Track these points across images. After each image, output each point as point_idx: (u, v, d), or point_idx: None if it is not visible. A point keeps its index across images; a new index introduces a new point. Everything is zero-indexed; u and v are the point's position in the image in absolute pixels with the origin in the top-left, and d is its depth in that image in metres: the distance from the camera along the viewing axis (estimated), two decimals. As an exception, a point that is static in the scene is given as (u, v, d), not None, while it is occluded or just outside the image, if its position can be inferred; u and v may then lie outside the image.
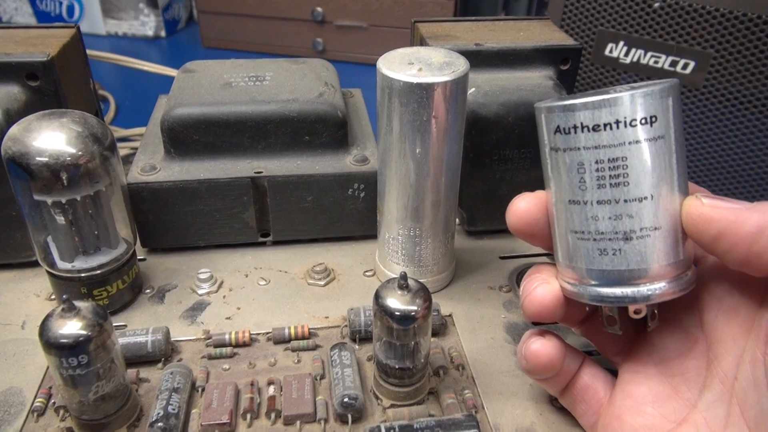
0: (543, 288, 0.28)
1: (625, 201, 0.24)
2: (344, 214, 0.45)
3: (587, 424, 0.30)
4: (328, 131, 0.44)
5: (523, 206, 0.28)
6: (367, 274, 0.44)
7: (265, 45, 1.24)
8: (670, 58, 0.55)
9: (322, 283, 0.42)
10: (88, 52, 0.47)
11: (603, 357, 0.32)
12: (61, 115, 0.34)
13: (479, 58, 0.42)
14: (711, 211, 0.23)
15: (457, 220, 0.47)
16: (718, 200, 0.23)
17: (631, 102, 0.24)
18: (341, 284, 0.43)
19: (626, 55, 0.58)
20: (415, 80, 0.33)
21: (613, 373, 0.30)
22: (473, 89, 0.41)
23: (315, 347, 0.37)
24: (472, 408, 0.33)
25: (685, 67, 0.55)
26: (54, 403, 0.32)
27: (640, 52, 0.57)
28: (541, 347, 0.29)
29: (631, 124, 0.24)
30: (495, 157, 0.43)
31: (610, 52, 0.58)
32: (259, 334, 0.38)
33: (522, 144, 0.42)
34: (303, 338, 0.37)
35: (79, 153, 0.33)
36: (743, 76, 0.52)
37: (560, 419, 0.32)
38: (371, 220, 0.44)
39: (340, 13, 1.16)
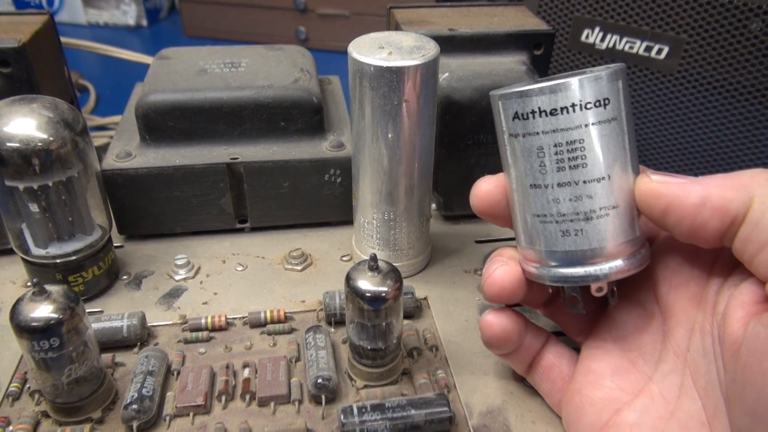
0: (502, 270, 0.28)
1: (584, 182, 0.25)
2: (321, 199, 0.45)
3: (553, 402, 0.31)
4: (304, 117, 0.44)
5: (484, 188, 0.29)
6: (344, 258, 0.44)
7: (247, 34, 1.23)
8: (644, 44, 0.56)
9: (299, 268, 0.43)
10: (68, 40, 0.47)
11: (568, 337, 0.32)
12: (32, 101, 0.34)
13: (453, 44, 0.43)
14: (659, 186, 0.24)
15: (433, 205, 0.47)
16: (665, 176, 0.25)
17: (586, 85, 0.24)
18: (318, 269, 0.43)
19: (602, 40, 0.58)
20: (384, 64, 0.33)
21: (579, 352, 0.31)
22: (446, 74, 0.42)
23: (291, 331, 0.37)
24: (445, 388, 0.33)
25: (659, 52, 0.56)
26: (29, 387, 0.33)
27: (616, 37, 0.57)
28: (494, 318, 0.30)
29: (586, 107, 0.25)
30: (469, 141, 0.43)
31: (587, 38, 0.59)
32: (235, 318, 0.38)
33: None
34: (279, 322, 0.37)
35: (50, 138, 0.33)
36: (716, 61, 0.53)
37: (530, 398, 0.33)
38: (348, 206, 0.44)
39: (323, 2, 1.15)
